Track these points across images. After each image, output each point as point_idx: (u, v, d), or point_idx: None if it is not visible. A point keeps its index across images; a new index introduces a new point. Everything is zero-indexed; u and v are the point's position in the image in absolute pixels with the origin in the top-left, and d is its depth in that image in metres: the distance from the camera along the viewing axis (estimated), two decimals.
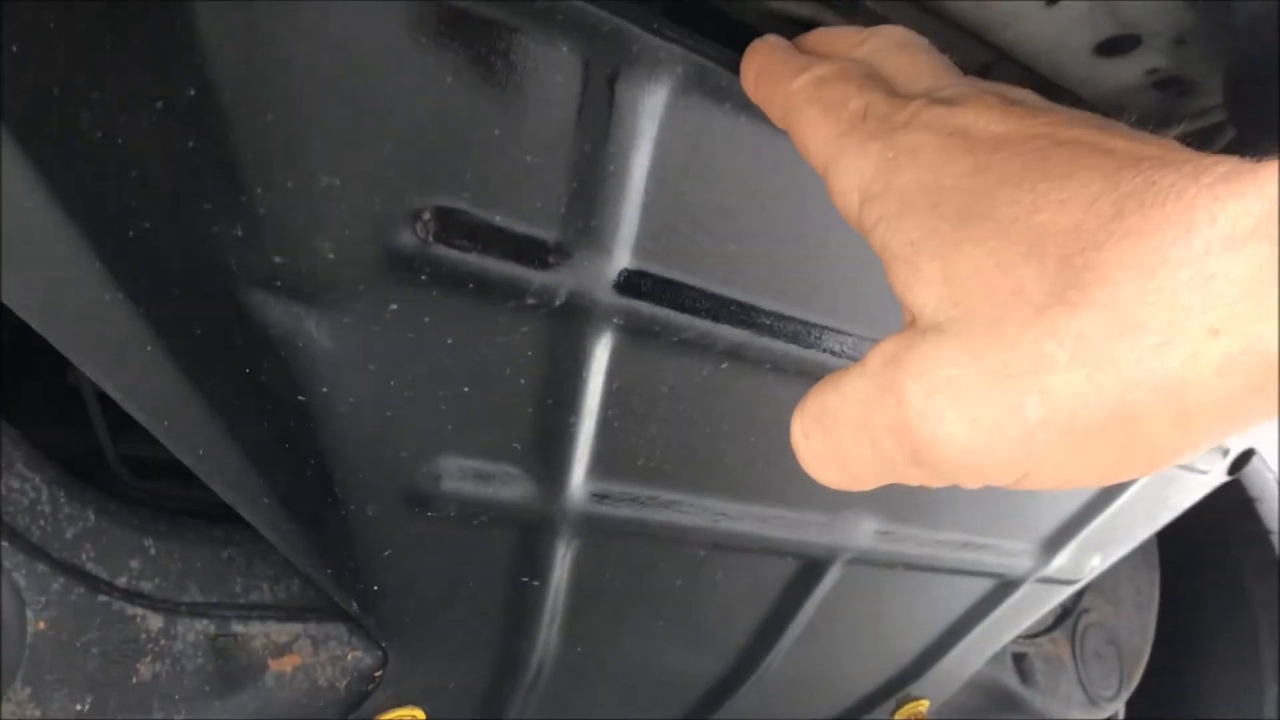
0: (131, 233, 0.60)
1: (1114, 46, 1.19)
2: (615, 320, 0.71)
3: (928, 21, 1.19)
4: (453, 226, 0.62)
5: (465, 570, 0.81)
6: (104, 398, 0.92)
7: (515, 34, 0.57)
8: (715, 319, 0.75)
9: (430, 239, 0.61)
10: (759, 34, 1.02)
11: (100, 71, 0.54)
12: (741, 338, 0.77)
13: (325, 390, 0.66)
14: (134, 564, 0.77)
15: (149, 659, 0.77)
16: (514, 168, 0.62)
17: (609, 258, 0.68)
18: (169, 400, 0.67)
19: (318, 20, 0.53)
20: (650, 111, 0.64)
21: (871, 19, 1.15)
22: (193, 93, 0.53)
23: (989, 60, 1.27)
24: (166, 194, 0.58)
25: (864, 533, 0.99)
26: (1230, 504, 2.04)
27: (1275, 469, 2.15)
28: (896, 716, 1.39)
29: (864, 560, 1.03)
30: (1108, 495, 1.17)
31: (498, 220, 0.63)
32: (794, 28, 1.11)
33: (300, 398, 0.66)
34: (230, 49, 0.52)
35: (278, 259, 0.59)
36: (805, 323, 0.79)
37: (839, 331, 0.81)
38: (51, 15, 0.54)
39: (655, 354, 0.75)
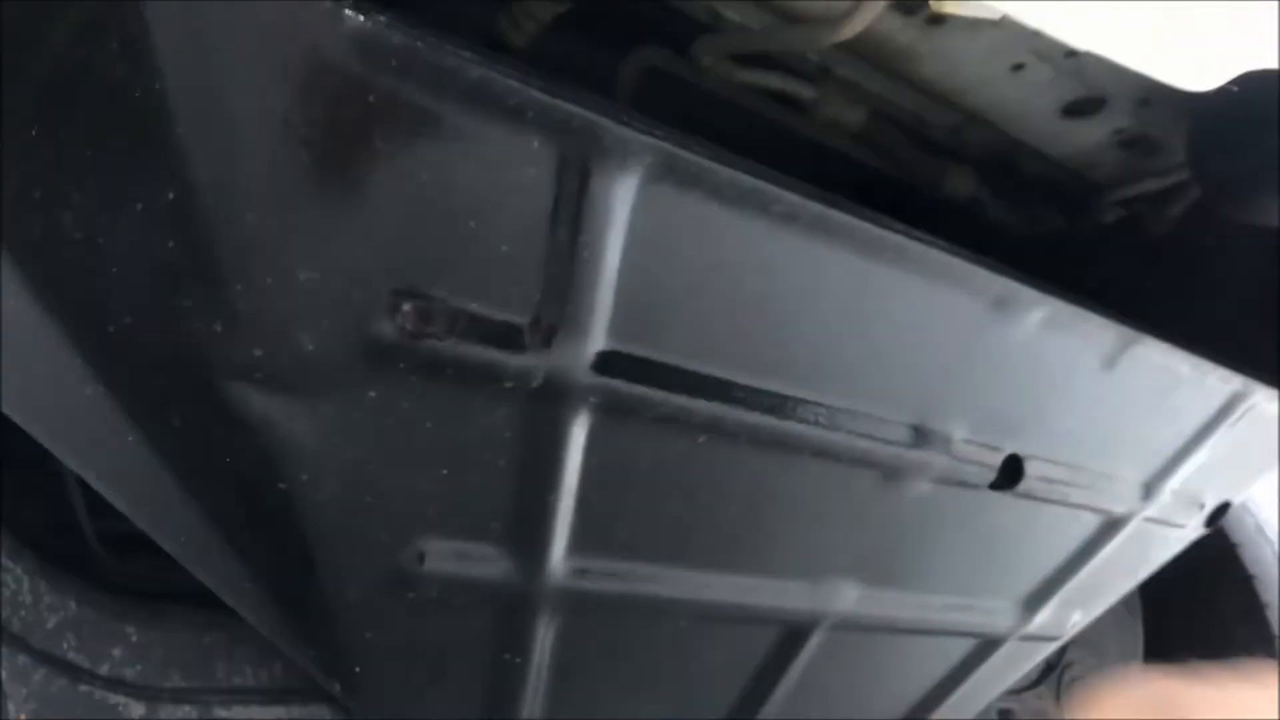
0: (112, 328, 0.61)
1: (1080, 108, 1.22)
2: (592, 400, 0.72)
3: (900, 88, 1.22)
4: (430, 316, 0.63)
5: (447, 649, 0.81)
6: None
7: (488, 131, 0.59)
8: (692, 394, 0.76)
9: (408, 329, 0.62)
10: (732, 106, 1.05)
11: (82, 175, 0.56)
12: (718, 412, 0.78)
13: (305, 477, 0.66)
14: (116, 652, 0.77)
15: None
16: (490, 257, 0.63)
17: (585, 340, 0.69)
18: (150, 489, 0.68)
19: (295, 122, 0.54)
20: (622, 199, 0.65)
21: (843, 88, 1.17)
22: (172, 195, 0.54)
23: (960, 121, 1.30)
24: (146, 292, 0.59)
25: (845, 597, 1.00)
26: (1212, 550, 2.05)
27: (1256, 514, 2.16)
28: None
29: (846, 625, 1.04)
30: (1087, 552, 1.18)
31: (474, 308, 0.64)
32: (765, 100, 1.14)
33: (280, 485, 0.66)
34: (210, 152, 0.53)
35: (257, 352, 0.60)
36: (780, 395, 0.80)
37: (813, 402, 0.82)
38: (34, 121, 0.55)
39: (633, 431, 0.76)
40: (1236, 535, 2.15)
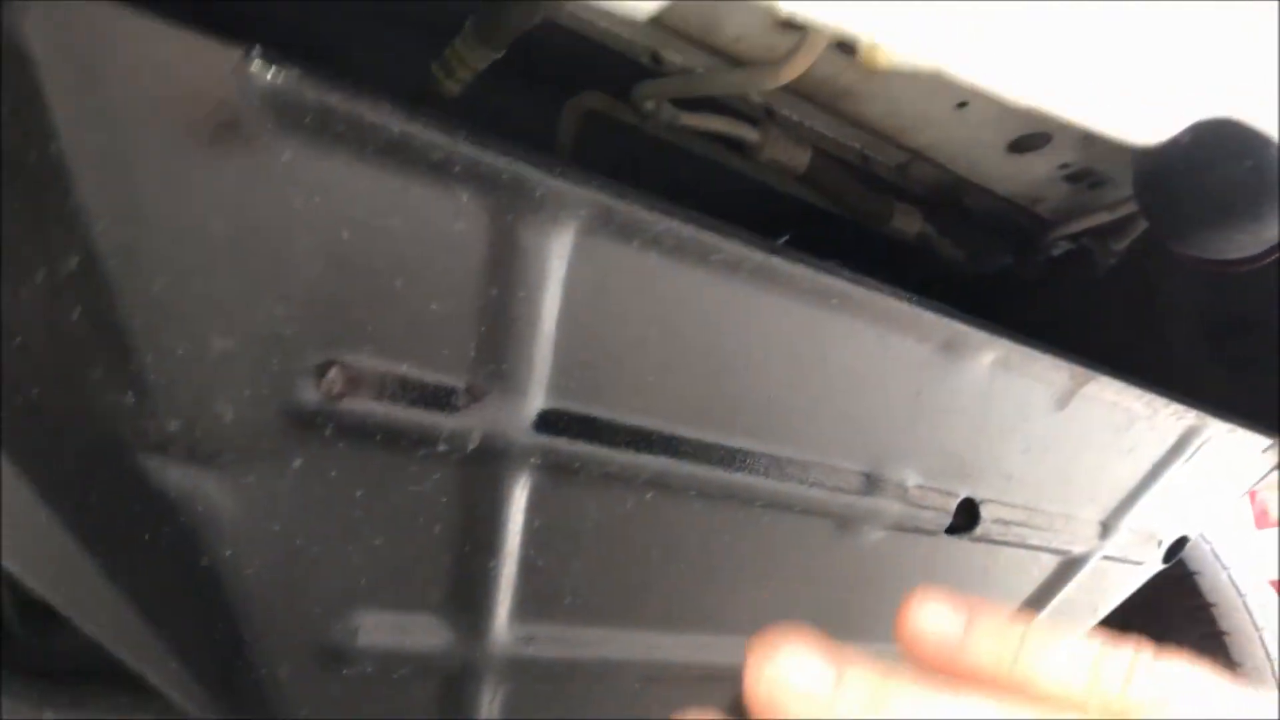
0: (18, 401, 0.58)
1: (1026, 144, 1.21)
2: (533, 460, 0.69)
3: (844, 127, 1.21)
4: (357, 380, 0.60)
5: None
6: None
7: (413, 185, 0.56)
8: (637, 450, 0.74)
9: (334, 395, 0.59)
10: (676, 150, 1.03)
11: None
12: (665, 467, 0.76)
13: (229, 552, 0.63)
14: None
15: None
16: (419, 316, 0.60)
17: (523, 398, 0.67)
18: (66, 569, 0.64)
19: (203, 184, 0.51)
20: (558, 253, 0.63)
21: (787, 129, 1.16)
22: (75, 264, 0.51)
23: (906, 159, 1.29)
24: (52, 363, 0.55)
25: None
26: (1170, 579, 2.04)
27: (1212, 542, 2.16)
28: None
29: None
30: (1046, 592, 1.17)
31: (404, 370, 0.62)
32: (709, 143, 1.12)
33: (203, 561, 0.63)
34: (112, 218, 0.50)
35: (173, 425, 0.57)
36: (727, 447, 0.78)
37: (762, 453, 0.80)
38: None
39: (577, 490, 0.73)
40: (1194, 564, 2.15)
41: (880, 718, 0.36)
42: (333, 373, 0.59)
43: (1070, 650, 0.36)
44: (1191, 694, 0.35)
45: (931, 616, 0.40)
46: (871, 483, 0.88)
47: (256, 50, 0.49)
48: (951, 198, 1.33)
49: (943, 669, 0.39)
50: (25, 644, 0.86)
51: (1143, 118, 0.58)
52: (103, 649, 0.69)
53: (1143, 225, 1.39)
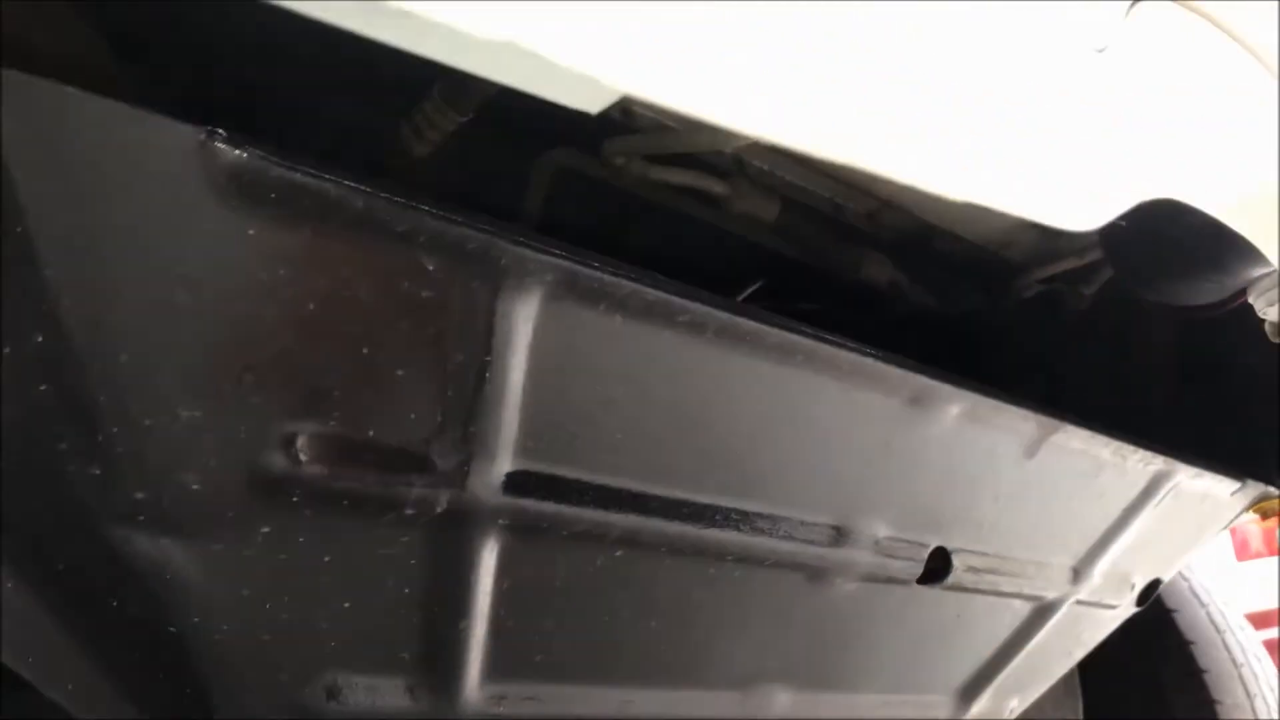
0: None
1: None
2: (501, 521, 0.70)
3: (814, 178, 1.23)
4: (324, 448, 0.60)
5: None
6: None
7: (378, 256, 0.57)
8: (606, 509, 0.74)
9: (300, 462, 0.60)
10: (644, 203, 1.04)
11: None
12: (634, 524, 0.76)
13: (197, 620, 0.63)
14: None
15: None
16: (385, 383, 0.61)
17: (491, 461, 0.67)
18: (32, 637, 0.64)
19: (168, 260, 0.52)
20: (524, 317, 0.64)
21: (757, 181, 1.17)
22: (40, 339, 0.52)
23: (876, 207, 1.31)
24: (18, 436, 0.55)
25: (777, 704, 0.98)
26: (1149, 617, 2.05)
27: (1190, 579, 2.17)
28: None
29: None
30: (1020, 638, 1.17)
31: (371, 435, 0.62)
32: (680, 196, 1.14)
33: (171, 629, 0.63)
34: (79, 293, 0.51)
35: (139, 495, 0.57)
36: (697, 504, 0.79)
37: (731, 509, 0.81)
38: None
39: (546, 549, 0.74)
40: (1172, 601, 2.15)
41: None
42: (299, 441, 0.59)
43: None
44: None
45: None
46: (842, 535, 0.89)
47: (219, 132, 0.49)
48: (922, 244, 1.34)
49: None
50: None
51: (1079, 207, 0.59)
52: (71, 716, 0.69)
53: (1108, 272, 1.41)
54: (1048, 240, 1.36)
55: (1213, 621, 2.10)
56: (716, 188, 1.09)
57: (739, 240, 1.25)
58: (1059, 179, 0.59)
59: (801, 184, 1.22)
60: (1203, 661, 2.04)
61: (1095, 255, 1.36)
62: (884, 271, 1.28)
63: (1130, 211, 0.62)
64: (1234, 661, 2.04)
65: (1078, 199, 0.60)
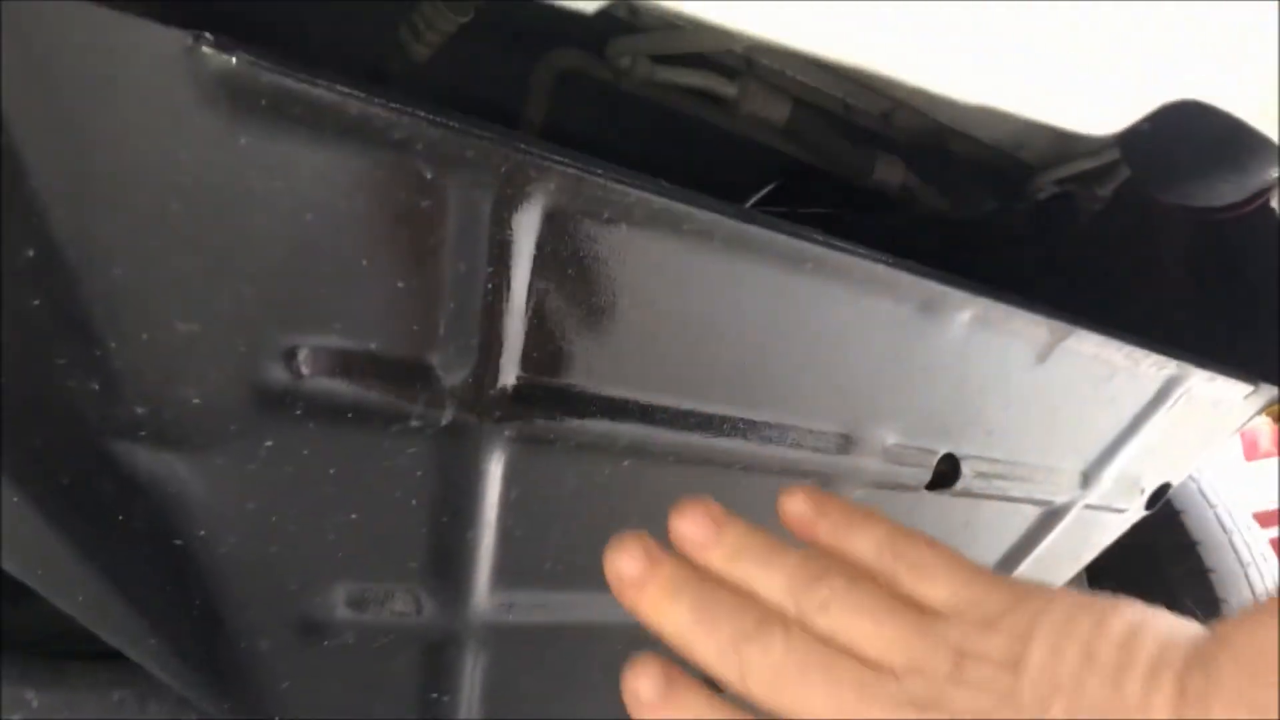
0: None
1: None
2: (507, 433, 0.69)
3: (826, 77, 1.20)
4: (326, 360, 0.60)
5: (371, 693, 0.78)
6: None
7: (375, 165, 0.55)
8: (613, 420, 0.74)
9: (303, 375, 0.59)
10: (652, 106, 1.02)
11: None
12: (641, 435, 0.75)
13: (203, 533, 0.63)
14: (15, 719, 0.73)
15: None
16: (386, 295, 0.60)
17: (495, 373, 0.66)
18: (40, 551, 0.64)
19: (162, 169, 0.50)
20: (526, 226, 0.62)
21: (767, 82, 1.14)
22: (31, 252, 0.51)
23: (889, 108, 1.28)
24: (15, 351, 0.55)
25: None
26: (1156, 519, 2.06)
27: (1198, 480, 2.17)
28: None
29: None
30: (1029, 543, 1.18)
31: (373, 348, 0.61)
32: (687, 98, 1.11)
33: (178, 541, 0.63)
34: (68, 206, 0.50)
35: (140, 409, 0.56)
36: (703, 414, 0.78)
37: (739, 419, 0.80)
38: None
39: (553, 460, 0.73)
40: (1179, 503, 2.16)
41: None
42: (301, 354, 0.58)
43: (871, 535, 0.48)
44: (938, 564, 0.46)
45: (799, 503, 0.52)
46: (850, 442, 0.88)
47: (207, 36, 0.48)
48: (934, 145, 1.31)
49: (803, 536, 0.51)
50: (4, 622, 0.87)
51: (1100, 110, 0.57)
52: (82, 626, 0.69)
53: (1128, 172, 1.38)
54: (1062, 141, 1.34)
55: (1220, 522, 2.11)
56: (725, 89, 1.06)
57: (749, 144, 1.23)
58: (1079, 81, 0.57)
59: (812, 84, 1.19)
60: (1209, 561, 2.05)
61: (1111, 156, 1.33)
62: (897, 173, 1.26)
63: (1152, 114, 0.60)
64: (1240, 561, 2.06)
65: (1098, 102, 0.58)
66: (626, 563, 0.50)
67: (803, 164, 1.29)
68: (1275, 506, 4.33)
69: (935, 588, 0.45)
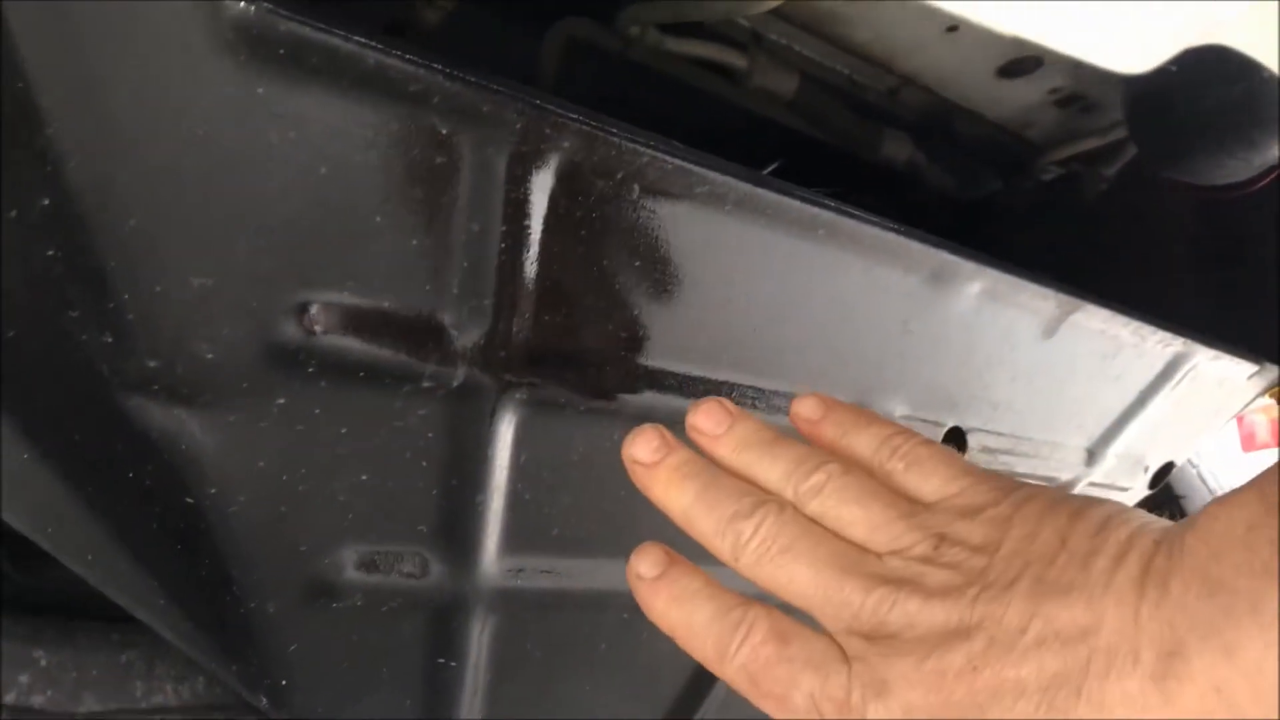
0: None
1: (1016, 68, 1.20)
2: (518, 396, 0.69)
3: (833, 53, 1.19)
4: (338, 318, 0.59)
5: (378, 657, 0.78)
6: None
7: (390, 120, 0.55)
8: (623, 383, 0.73)
9: (315, 332, 0.59)
10: (659, 77, 1.01)
11: None
12: (650, 401, 0.75)
13: (214, 490, 0.63)
14: (23, 679, 0.73)
15: None
16: (400, 253, 0.60)
17: (507, 334, 0.66)
18: (50, 508, 0.64)
19: (177, 120, 0.50)
20: (540, 185, 0.62)
21: (775, 55, 1.14)
22: (47, 201, 0.50)
23: (896, 85, 1.28)
24: (28, 303, 0.55)
25: None
26: (1157, 503, 2.06)
27: (1199, 465, 2.18)
28: None
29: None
30: None
31: (386, 306, 0.61)
32: (695, 69, 1.11)
33: (188, 499, 0.63)
34: (84, 155, 0.49)
35: (152, 363, 0.56)
36: (713, 381, 0.78)
37: (748, 386, 0.80)
38: None
39: (563, 424, 0.73)
40: (1180, 487, 2.17)
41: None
42: (314, 310, 0.58)
43: (872, 433, 0.51)
44: (932, 461, 0.48)
45: (808, 405, 0.55)
46: None
47: None
48: (941, 124, 1.31)
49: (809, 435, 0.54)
50: (13, 581, 0.87)
51: (1131, 47, 0.57)
52: (90, 586, 0.69)
53: (1133, 151, 1.38)
54: (1068, 120, 1.34)
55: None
56: (735, 60, 1.06)
57: (756, 118, 1.22)
58: (1107, 14, 0.57)
59: (820, 60, 1.19)
60: None
61: (1117, 135, 1.33)
62: (903, 150, 1.26)
63: (1177, 56, 0.60)
64: None
65: (1126, 38, 0.57)
66: (641, 447, 0.53)
67: (808, 140, 1.29)
68: None
69: (927, 481, 0.48)
